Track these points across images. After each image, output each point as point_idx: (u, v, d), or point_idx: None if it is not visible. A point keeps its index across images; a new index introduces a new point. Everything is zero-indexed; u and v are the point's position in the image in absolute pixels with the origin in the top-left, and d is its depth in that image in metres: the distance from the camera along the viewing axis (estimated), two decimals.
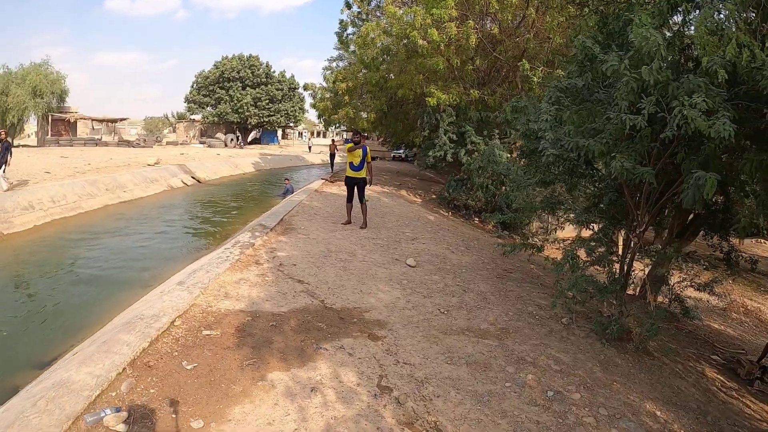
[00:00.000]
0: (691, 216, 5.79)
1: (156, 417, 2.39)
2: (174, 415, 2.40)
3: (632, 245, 4.27)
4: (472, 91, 11.08)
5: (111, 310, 4.87)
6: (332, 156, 18.09)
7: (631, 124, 2.35)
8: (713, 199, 5.34)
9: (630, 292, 6.28)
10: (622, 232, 4.70)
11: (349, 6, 15.53)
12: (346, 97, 13.83)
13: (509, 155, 9.86)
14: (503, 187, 9.36)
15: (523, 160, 5.11)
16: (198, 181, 16.77)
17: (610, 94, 2.82)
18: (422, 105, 12.26)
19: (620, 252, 4.40)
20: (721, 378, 4.24)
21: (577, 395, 2.92)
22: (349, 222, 7.40)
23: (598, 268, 4.66)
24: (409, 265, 5.40)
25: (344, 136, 30.56)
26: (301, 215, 8.03)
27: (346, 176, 7.27)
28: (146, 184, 13.00)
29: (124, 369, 2.85)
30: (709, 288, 5.66)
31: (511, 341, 3.56)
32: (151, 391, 2.62)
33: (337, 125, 17.83)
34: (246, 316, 3.59)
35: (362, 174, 7.11)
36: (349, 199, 7.33)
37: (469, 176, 11.03)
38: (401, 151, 27.16)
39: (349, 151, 7.09)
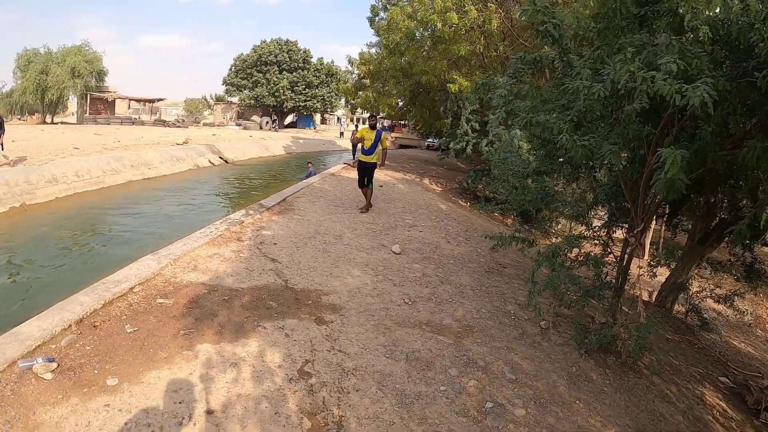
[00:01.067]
0: (716, 221, 5.18)
1: (81, 371, 2.46)
2: (96, 372, 2.46)
3: (629, 246, 3.85)
4: (496, 79, 10.52)
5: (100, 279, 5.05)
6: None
7: (586, 92, 1.99)
8: (739, 203, 4.73)
9: (645, 298, 5.74)
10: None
11: None
12: (367, 81, 13.60)
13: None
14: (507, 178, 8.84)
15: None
16: (225, 161, 17.21)
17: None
18: (447, 92, 11.82)
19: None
20: (723, 405, 3.72)
21: (521, 411, 2.56)
22: (369, 206, 7.25)
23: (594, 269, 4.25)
24: (394, 252, 5.21)
25: (384, 124, 29.85)
26: (306, 197, 8.01)
27: (359, 160, 7.16)
28: (172, 162, 13.47)
29: (69, 326, 2.94)
30: (730, 301, 5.07)
31: (470, 341, 3.28)
32: (87, 348, 2.69)
33: (379, 113, 17.53)
34: (204, 289, 3.57)
35: (373, 158, 6.97)
36: (361, 183, 7.20)
37: (489, 167, 10.56)
38: (431, 139, 26.51)
39: (362, 134, 6.97)
